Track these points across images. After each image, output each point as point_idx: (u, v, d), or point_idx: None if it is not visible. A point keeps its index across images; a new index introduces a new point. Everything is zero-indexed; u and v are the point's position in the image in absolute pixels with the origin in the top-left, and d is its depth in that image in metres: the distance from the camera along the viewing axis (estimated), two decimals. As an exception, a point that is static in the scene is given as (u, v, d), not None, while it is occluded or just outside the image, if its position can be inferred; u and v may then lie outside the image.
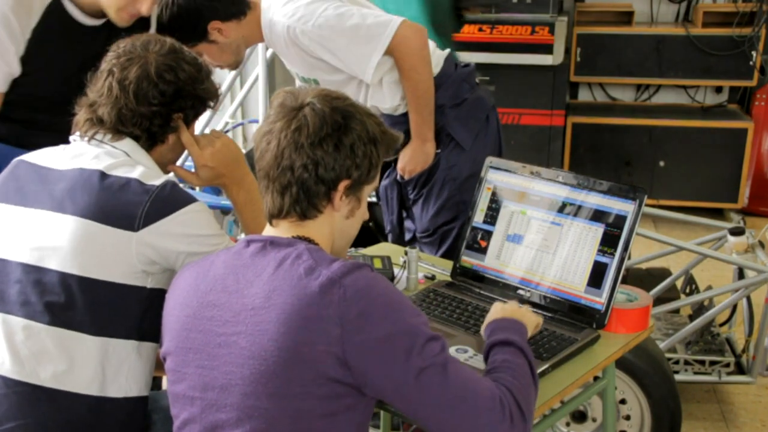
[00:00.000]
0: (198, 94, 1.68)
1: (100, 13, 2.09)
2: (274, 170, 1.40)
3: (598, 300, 1.75)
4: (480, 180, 1.96)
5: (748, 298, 2.83)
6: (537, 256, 1.84)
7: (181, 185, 1.65)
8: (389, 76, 2.46)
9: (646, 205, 1.77)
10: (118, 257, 1.54)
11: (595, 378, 1.85)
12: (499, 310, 1.58)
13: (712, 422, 2.90)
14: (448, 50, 2.65)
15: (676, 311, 2.99)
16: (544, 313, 1.79)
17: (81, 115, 1.67)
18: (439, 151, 2.57)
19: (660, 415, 2.39)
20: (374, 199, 2.90)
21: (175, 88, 1.64)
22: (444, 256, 2.55)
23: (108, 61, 1.65)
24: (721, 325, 3.00)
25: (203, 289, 1.40)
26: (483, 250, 1.93)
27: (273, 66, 4.32)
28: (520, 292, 1.84)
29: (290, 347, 1.27)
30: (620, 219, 1.75)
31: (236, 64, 2.50)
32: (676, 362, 2.80)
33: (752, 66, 4.66)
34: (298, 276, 1.31)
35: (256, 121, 4.57)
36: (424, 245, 2.68)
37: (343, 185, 1.41)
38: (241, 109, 4.76)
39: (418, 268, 2.03)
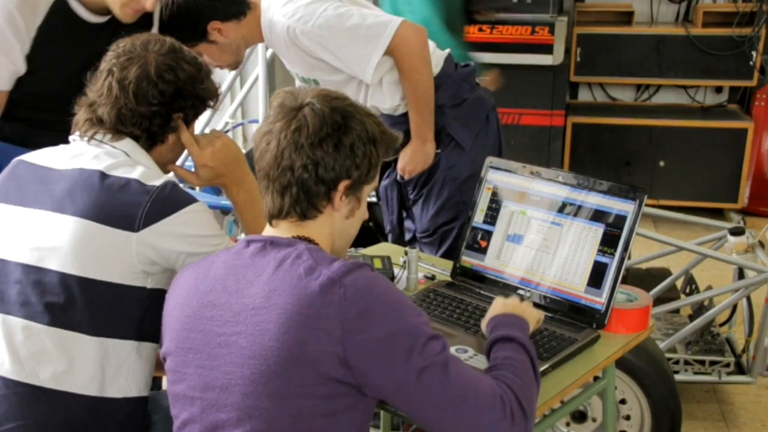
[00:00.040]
0: (198, 94, 1.68)
1: (104, 10, 2.09)
2: (274, 170, 1.40)
3: (598, 300, 1.75)
4: (480, 180, 1.95)
5: (748, 298, 2.84)
6: (537, 256, 1.84)
7: (181, 185, 1.65)
8: (389, 76, 2.46)
9: (646, 205, 1.77)
10: (118, 258, 1.54)
11: (595, 378, 1.85)
12: (500, 305, 1.58)
13: (712, 422, 2.90)
14: (448, 50, 2.65)
15: (676, 311, 2.99)
16: (544, 313, 1.79)
17: (80, 114, 1.67)
18: (439, 151, 2.57)
19: (660, 415, 2.39)
20: (374, 199, 2.90)
21: (174, 87, 1.63)
22: (444, 256, 2.55)
23: (108, 61, 1.65)
24: (721, 325, 3.00)
25: (203, 290, 1.40)
26: (483, 250, 1.93)
27: (273, 66, 4.33)
28: (520, 292, 1.84)
29: (291, 347, 1.27)
30: (620, 219, 1.75)
31: (236, 64, 2.50)
32: (676, 362, 2.80)
33: (752, 66, 4.66)
34: (298, 276, 1.31)
35: (256, 121, 4.57)
36: (424, 245, 2.68)
37: (343, 185, 1.41)
38: (241, 109, 4.76)
39: (418, 268, 2.03)
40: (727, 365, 2.80)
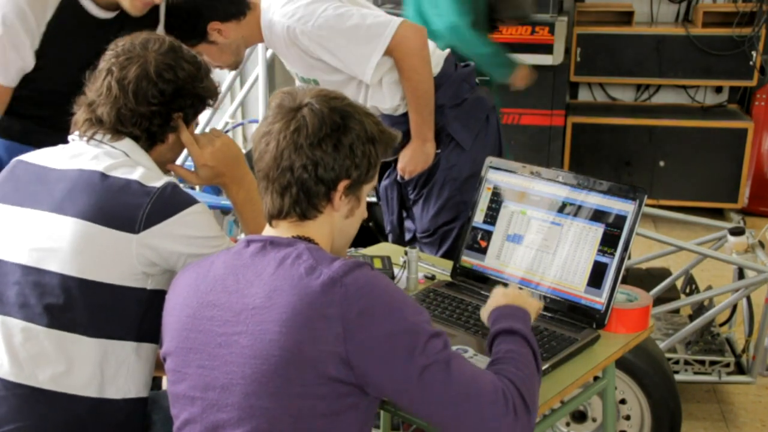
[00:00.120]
0: (198, 93, 1.67)
1: (113, 6, 2.10)
2: (273, 171, 1.40)
3: (598, 300, 1.75)
4: (480, 180, 1.96)
5: (748, 298, 2.83)
6: (537, 256, 1.84)
7: (180, 185, 1.64)
8: (389, 76, 2.46)
9: (646, 205, 1.77)
10: (118, 259, 1.54)
11: (595, 378, 1.85)
12: (501, 295, 1.57)
13: (712, 422, 2.90)
14: (448, 50, 2.65)
15: (676, 311, 2.99)
16: (544, 313, 1.79)
17: (80, 114, 1.66)
18: (439, 151, 2.57)
19: (660, 415, 2.39)
20: (374, 199, 2.90)
21: (174, 87, 1.63)
22: (444, 256, 2.55)
23: (107, 60, 1.64)
24: (721, 325, 3.00)
25: (203, 290, 1.40)
26: (483, 250, 1.93)
27: (273, 66, 4.33)
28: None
29: (292, 346, 1.27)
30: (620, 219, 1.74)
31: (236, 64, 2.50)
32: (676, 362, 2.80)
33: (752, 66, 4.66)
34: (298, 275, 1.31)
35: (256, 121, 4.57)
36: (425, 245, 2.68)
37: (342, 185, 1.41)
38: (241, 109, 4.76)
39: (418, 268, 2.03)
40: (727, 365, 2.80)
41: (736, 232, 2.92)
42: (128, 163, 1.61)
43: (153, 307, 1.56)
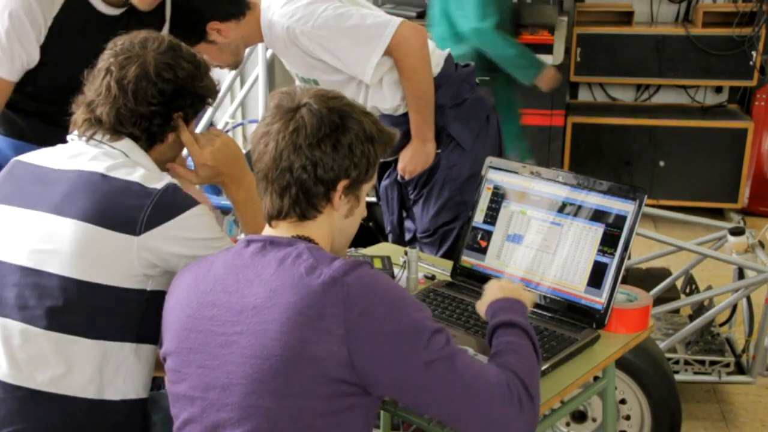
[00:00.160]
0: (197, 92, 1.67)
1: (120, 2, 2.10)
2: (272, 172, 1.40)
3: (598, 300, 1.75)
4: (480, 180, 1.95)
5: (748, 298, 2.83)
6: (537, 256, 1.84)
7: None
8: (389, 76, 2.46)
9: (646, 205, 1.77)
10: (118, 261, 1.53)
11: (595, 378, 1.84)
12: (496, 289, 1.59)
13: (712, 422, 2.90)
14: (448, 50, 2.65)
15: (676, 311, 2.99)
16: (544, 313, 1.80)
17: (79, 114, 1.65)
18: (439, 151, 2.57)
19: (660, 415, 2.39)
20: (374, 199, 2.90)
21: (174, 86, 1.62)
22: (444, 256, 2.55)
23: (105, 60, 1.63)
24: (721, 325, 3.00)
25: (203, 289, 1.40)
26: (483, 250, 1.92)
27: (273, 66, 4.33)
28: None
29: (293, 346, 1.27)
30: (620, 219, 1.74)
31: (236, 64, 2.50)
32: (676, 362, 2.80)
33: (752, 66, 4.66)
34: (299, 275, 1.31)
35: (256, 121, 4.57)
36: (425, 245, 2.68)
37: (342, 185, 1.41)
38: (241, 109, 4.76)
39: (418, 268, 2.03)
40: (727, 365, 2.80)
41: (736, 232, 2.92)
42: (128, 163, 1.60)
43: (152, 308, 1.56)
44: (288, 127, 1.38)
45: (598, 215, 1.77)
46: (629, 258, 1.83)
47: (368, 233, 3.23)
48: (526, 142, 4.34)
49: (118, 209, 1.53)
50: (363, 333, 1.27)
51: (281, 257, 1.35)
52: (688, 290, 3.18)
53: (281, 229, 1.44)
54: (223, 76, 3.82)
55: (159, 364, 1.56)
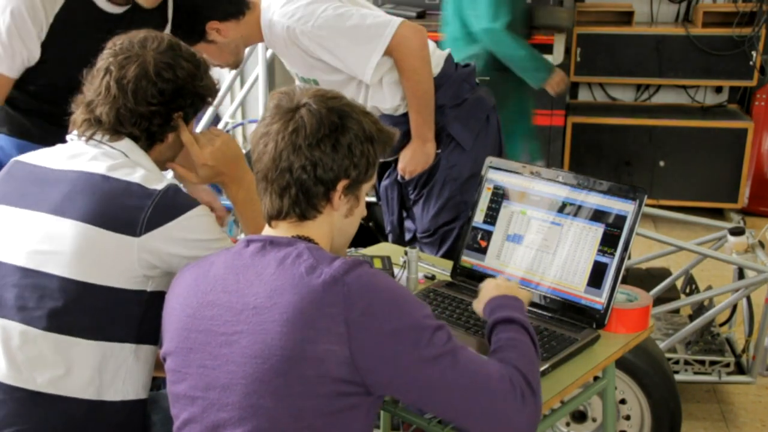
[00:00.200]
0: (197, 92, 1.66)
1: (123, 0, 2.10)
2: (272, 172, 1.40)
3: (598, 300, 1.75)
4: (480, 180, 1.95)
5: (748, 298, 2.83)
6: (537, 256, 1.84)
7: (180, 185, 1.64)
8: (389, 76, 2.46)
9: (646, 205, 1.77)
10: (118, 262, 1.52)
11: (595, 378, 1.84)
12: (493, 287, 1.61)
13: (712, 422, 2.90)
14: (448, 50, 2.65)
15: (676, 311, 2.99)
16: (544, 313, 1.79)
17: (78, 114, 1.64)
18: (439, 151, 2.57)
19: (660, 415, 2.39)
20: (374, 199, 2.90)
21: (174, 86, 1.61)
22: (444, 256, 2.55)
23: (104, 59, 1.62)
24: (721, 325, 3.00)
25: (203, 289, 1.40)
26: (483, 250, 1.92)
27: (273, 66, 4.32)
28: (520, 292, 1.83)
29: (294, 346, 1.27)
30: (620, 219, 1.74)
31: (236, 63, 2.50)
32: (676, 362, 2.80)
33: (752, 66, 4.65)
34: (299, 275, 1.31)
35: (256, 121, 4.57)
36: (425, 245, 2.68)
37: (341, 185, 1.41)
38: (241, 109, 4.75)
39: (418, 268, 2.03)
40: (727, 365, 2.80)
41: (736, 232, 2.92)
42: (128, 164, 1.59)
43: (152, 309, 1.56)
44: (287, 128, 1.38)
45: (598, 215, 1.77)
46: (629, 258, 1.83)
47: (368, 233, 3.23)
48: (538, 142, 4.34)
49: (119, 210, 1.52)
50: (364, 332, 1.27)
51: (281, 257, 1.35)
52: (688, 290, 3.18)
53: (281, 229, 1.44)
54: (223, 76, 3.82)
55: (159, 365, 1.56)
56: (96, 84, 1.62)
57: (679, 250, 2.92)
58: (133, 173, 1.57)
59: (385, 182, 2.72)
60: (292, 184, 1.39)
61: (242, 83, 4.50)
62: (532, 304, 1.80)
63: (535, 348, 1.45)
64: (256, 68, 4.03)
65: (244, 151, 1.87)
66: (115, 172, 1.56)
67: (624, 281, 1.82)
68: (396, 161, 2.62)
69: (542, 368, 1.58)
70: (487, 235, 1.92)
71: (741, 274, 2.89)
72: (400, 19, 2.36)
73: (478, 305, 1.61)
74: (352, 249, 2.23)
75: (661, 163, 4.81)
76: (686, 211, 3.78)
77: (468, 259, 1.95)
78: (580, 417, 2.44)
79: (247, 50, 2.60)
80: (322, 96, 1.42)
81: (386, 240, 2.83)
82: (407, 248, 2.02)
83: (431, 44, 2.50)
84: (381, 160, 1.51)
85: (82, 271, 1.52)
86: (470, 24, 3.46)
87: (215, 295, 1.38)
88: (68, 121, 1.68)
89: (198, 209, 1.58)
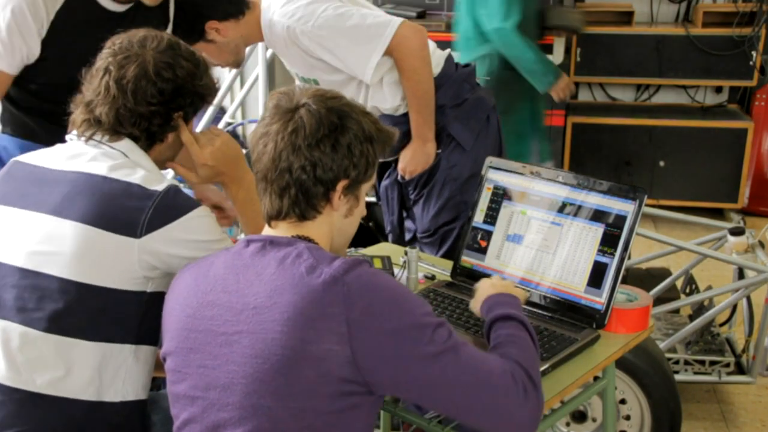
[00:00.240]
0: (197, 91, 1.65)
1: None
2: (271, 173, 1.40)
3: (598, 300, 1.75)
4: (480, 180, 1.95)
5: (748, 298, 2.83)
6: (537, 256, 1.84)
7: (181, 185, 1.63)
8: (389, 76, 2.46)
9: (646, 205, 1.77)
10: (119, 264, 1.52)
11: (595, 378, 1.84)
12: (488, 286, 1.63)
13: (712, 422, 2.90)
14: (448, 50, 2.65)
15: (676, 311, 2.99)
16: (544, 313, 1.79)
17: (78, 114, 1.64)
18: (439, 151, 2.57)
19: (660, 415, 2.39)
20: (374, 199, 2.90)
21: (173, 86, 1.60)
22: (445, 256, 2.55)
23: (103, 59, 1.61)
24: (721, 325, 3.00)
25: (203, 289, 1.40)
26: (483, 250, 1.92)
27: (273, 66, 4.32)
28: (520, 292, 1.84)
29: (295, 346, 1.27)
30: (620, 219, 1.74)
31: (236, 63, 2.50)
32: (676, 362, 2.80)
33: (752, 66, 4.65)
34: (299, 275, 1.31)
35: (256, 121, 4.56)
36: (425, 245, 2.68)
37: (341, 185, 1.41)
38: (241, 109, 4.75)
39: (418, 268, 2.03)
40: (727, 365, 2.80)
41: (736, 232, 2.92)
42: (128, 164, 1.59)
43: (152, 310, 1.55)
44: (287, 128, 1.38)
45: (598, 215, 1.77)
46: (629, 258, 1.83)
47: (368, 233, 3.23)
48: (550, 143, 4.34)
49: (119, 211, 1.52)
50: (365, 332, 1.28)
51: (281, 257, 1.35)
52: (688, 290, 3.18)
53: (281, 230, 1.44)
54: (223, 76, 3.82)
55: (159, 365, 1.56)
56: (95, 84, 1.61)
57: (679, 250, 2.92)
58: (133, 174, 1.56)
59: (385, 182, 2.72)
60: (291, 185, 1.39)
61: (242, 83, 4.50)
62: (533, 304, 1.80)
63: (534, 344, 1.46)
64: (256, 68, 4.02)
65: (244, 151, 1.87)
66: (116, 173, 1.56)
67: (624, 281, 1.82)
68: (396, 161, 2.62)
69: (542, 368, 1.57)
70: (487, 235, 1.92)
71: (741, 274, 2.89)
72: (400, 19, 2.37)
73: (475, 304, 1.62)
74: (352, 249, 2.23)
75: (661, 163, 4.81)
76: (686, 211, 3.78)
77: (468, 259, 1.95)
78: (580, 417, 2.44)
79: (247, 50, 2.59)
80: (321, 96, 1.42)
81: (386, 240, 2.83)
82: (407, 248, 2.02)
83: (431, 44, 2.50)
84: (381, 160, 1.51)
85: (82, 272, 1.51)
86: (482, 23, 3.46)
87: (215, 295, 1.38)
88: (68, 122, 1.68)
89: (198, 210, 1.57)
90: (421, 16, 4.57)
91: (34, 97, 2.18)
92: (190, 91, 1.64)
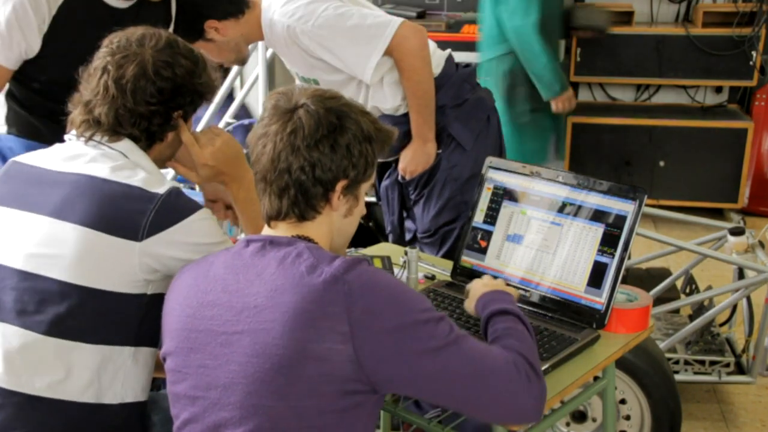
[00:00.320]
0: (196, 89, 1.64)
1: None
2: (271, 173, 1.40)
3: (598, 300, 1.75)
4: (480, 180, 1.95)
5: (748, 298, 2.83)
6: (537, 256, 1.84)
7: (181, 185, 1.63)
8: (389, 76, 2.46)
9: (646, 205, 1.77)
10: (119, 267, 1.51)
11: (595, 378, 1.84)
12: (481, 285, 1.65)
13: (712, 422, 2.90)
14: (448, 50, 2.65)
15: (676, 311, 2.99)
16: (544, 313, 1.79)
17: (76, 114, 1.62)
18: (440, 151, 2.57)
19: (660, 415, 2.39)
20: (374, 199, 2.90)
21: (173, 84, 1.59)
22: (445, 256, 2.55)
23: (102, 58, 1.60)
24: (721, 325, 3.00)
25: (203, 289, 1.40)
26: (483, 250, 1.92)
27: (273, 66, 4.32)
28: (520, 292, 1.83)
29: (295, 345, 1.28)
30: (620, 219, 1.74)
31: (238, 60, 2.50)
32: (676, 362, 2.80)
33: (752, 66, 4.65)
34: (300, 274, 1.31)
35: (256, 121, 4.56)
36: (425, 245, 2.67)
37: (340, 185, 1.41)
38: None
39: (418, 268, 2.03)
40: (727, 365, 2.80)
41: (736, 232, 2.92)
42: (128, 165, 1.58)
43: (152, 312, 1.54)
44: (286, 129, 1.38)
45: (598, 215, 1.77)
46: (629, 258, 1.83)
47: (368, 233, 3.23)
48: (563, 140, 4.35)
49: (120, 214, 1.51)
50: (367, 330, 1.28)
51: (281, 257, 1.35)
52: (688, 290, 3.18)
53: (280, 230, 1.44)
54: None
55: (159, 366, 1.56)
56: (93, 83, 1.60)
57: (679, 250, 2.91)
58: (134, 176, 1.55)
59: (385, 182, 2.72)
60: (290, 185, 1.39)
61: (242, 83, 4.50)
62: (533, 304, 1.80)
63: (531, 336, 1.47)
64: (256, 68, 4.02)
65: (244, 151, 1.87)
66: (116, 175, 1.54)
67: (624, 281, 1.81)
68: (396, 161, 2.62)
69: (542, 368, 1.57)
70: (487, 235, 1.92)
71: (741, 274, 2.88)
72: (400, 19, 2.36)
73: (469, 304, 1.64)
74: (352, 249, 2.23)
75: (661, 163, 4.81)
76: (686, 211, 3.78)
77: (468, 259, 1.95)
78: (580, 417, 2.44)
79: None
80: (320, 96, 1.42)
81: (386, 240, 2.83)
82: (407, 248, 2.02)
83: (431, 44, 2.50)
84: (381, 160, 1.51)
85: (82, 275, 1.50)
86: (502, 21, 3.47)
87: (215, 295, 1.38)
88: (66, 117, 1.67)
89: (200, 213, 1.56)
90: (421, 16, 4.57)
91: (37, 96, 2.18)
92: (189, 89, 1.63)
